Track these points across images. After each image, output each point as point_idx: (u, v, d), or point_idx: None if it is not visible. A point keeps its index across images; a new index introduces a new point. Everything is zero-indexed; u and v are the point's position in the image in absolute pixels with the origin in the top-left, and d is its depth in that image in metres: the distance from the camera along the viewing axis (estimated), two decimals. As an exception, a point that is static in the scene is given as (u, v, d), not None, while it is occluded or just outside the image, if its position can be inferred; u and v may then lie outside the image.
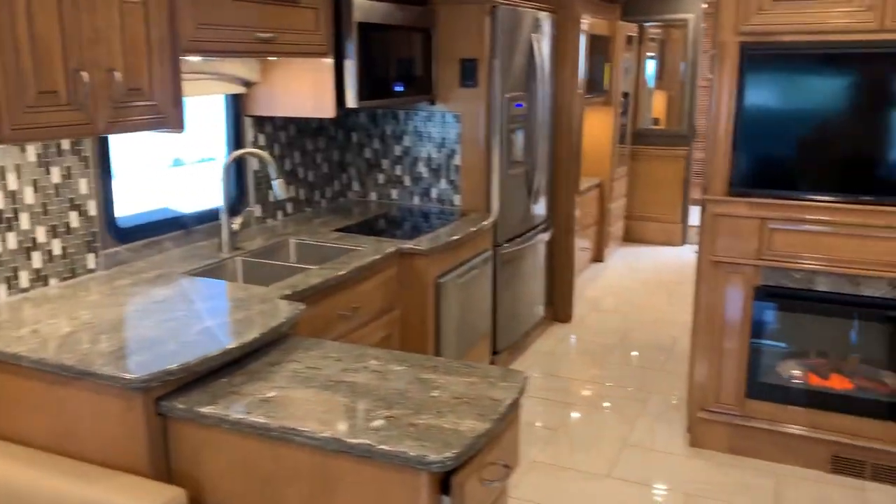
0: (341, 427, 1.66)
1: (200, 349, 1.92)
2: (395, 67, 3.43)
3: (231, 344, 1.97)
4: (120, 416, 1.81)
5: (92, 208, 2.59)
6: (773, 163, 3.11)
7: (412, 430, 1.63)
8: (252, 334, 2.04)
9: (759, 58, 3.00)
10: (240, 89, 3.20)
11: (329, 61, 3.07)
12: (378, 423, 1.67)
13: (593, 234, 6.42)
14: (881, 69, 2.89)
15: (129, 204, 2.86)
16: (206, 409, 1.76)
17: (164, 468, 1.83)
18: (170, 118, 2.32)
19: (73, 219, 2.53)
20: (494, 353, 4.06)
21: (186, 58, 2.48)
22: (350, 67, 3.12)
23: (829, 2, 2.84)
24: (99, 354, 1.87)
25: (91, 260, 2.60)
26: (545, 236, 4.58)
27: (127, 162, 2.93)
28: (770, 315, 3.24)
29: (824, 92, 3.00)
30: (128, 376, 1.76)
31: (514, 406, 1.82)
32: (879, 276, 2.95)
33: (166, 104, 2.30)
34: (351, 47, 3.09)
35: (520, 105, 4.02)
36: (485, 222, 3.67)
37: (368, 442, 1.59)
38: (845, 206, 2.95)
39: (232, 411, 1.75)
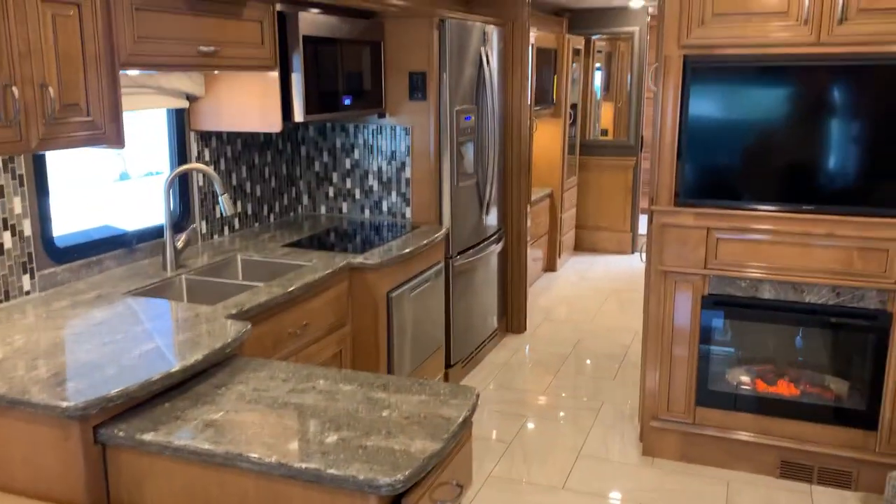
0: (288, 451, 1.61)
1: (142, 373, 1.86)
2: (343, 81, 3.39)
3: (174, 367, 1.91)
4: (56, 446, 1.73)
5: (27, 228, 2.49)
6: (718, 173, 3.16)
7: (361, 452, 1.60)
8: (196, 356, 1.98)
9: (702, 70, 3.06)
10: (183, 103, 3.13)
11: (275, 75, 3.02)
12: (326, 445, 1.63)
13: (545, 244, 6.46)
14: (819, 81, 2.96)
15: (69, 221, 2.77)
16: (147, 437, 1.70)
17: (103, 499, 1.76)
18: (108, 134, 2.25)
19: (7, 239, 2.43)
20: (448, 366, 4.04)
21: (126, 72, 2.42)
22: (297, 81, 3.08)
23: (767, 16, 2.91)
24: (34, 381, 1.79)
25: (26, 282, 2.50)
26: (498, 247, 4.58)
27: (68, 177, 2.84)
28: (718, 323, 3.28)
29: (766, 103, 3.06)
30: (64, 404, 1.69)
31: (466, 424, 1.80)
32: (821, 283, 3.02)
33: (104, 120, 2.23)
34: (297, 61, 3.05)
35: (469, 118, 4.03)
36: (436, 235, 3.65)
37: (316, 466, 1.55)
38: (787, 216, 3.01)
39: (175, 438, 1.69)
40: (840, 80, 2.94)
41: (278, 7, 2.98)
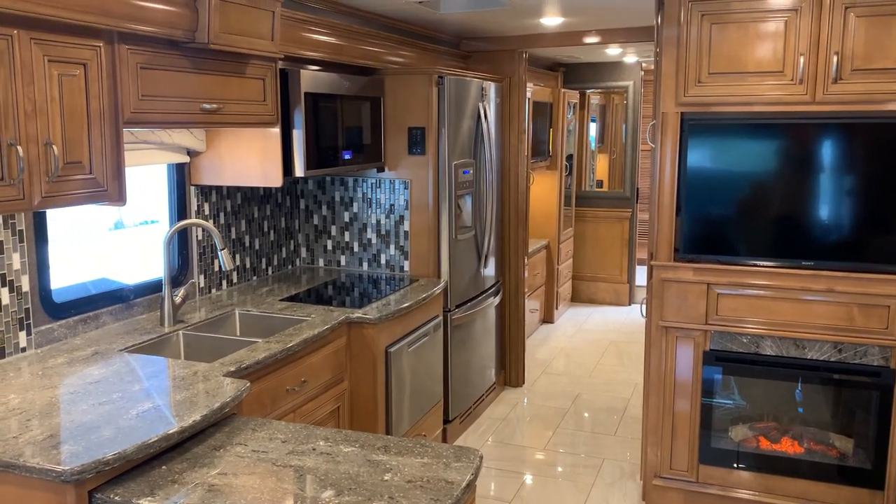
0: (289, 518, 1.58)
1: (138, 435, 1.82)
2: (343, 136, 3.42)
3: (171, 429, 1.87)
4: (49, 512, 1.69)
5: (25, 283, 2.47)
6: (717, 229, 3.17)
7: (364, 519, 1.56)
8: (194, 417, 1.95)
9: (700, 127, 3.09)
10: (184, 158, 3.15)
11: (276, 131, 3.04)
12: (328, 512, 1.59)
13: (542, 296, 6.45)
14: (815, 138, 3.00)
15: (66, 274, 2.75)
16: (143, 501, 1.66)
17: (96, 567, 1.71)
18: (110, 191, 2.25)
19: (4, 295, 2.41)
20: (446, 421, 3.99)
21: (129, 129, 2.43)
22: (298, 137, 3.10)
23: (763, 75, 2.95)
24: (28, 443, 1.76)
25: (23, 338, 2.47)
26: (496, 300, 4.57)
27: (63, 226, 2.83)
28: (720, 379, 3.26)
29: (763, 160, 3.09)
30: (59, 468, 1.65)
31: (470, 488, 1.76)
32: (823, 339, 3.01)
33: (106, 177, 2.23)
34: (299, 117, 3.08)
35: (467, 172, 4.06)
36: (435, 288, 3.64)
37: (317, 535, 1.51)
38: (787, 272, 3.01)
39: (172, 502, 1.65)
40: (836, 137, 2.98)
41: (281, 65, 3.02)
